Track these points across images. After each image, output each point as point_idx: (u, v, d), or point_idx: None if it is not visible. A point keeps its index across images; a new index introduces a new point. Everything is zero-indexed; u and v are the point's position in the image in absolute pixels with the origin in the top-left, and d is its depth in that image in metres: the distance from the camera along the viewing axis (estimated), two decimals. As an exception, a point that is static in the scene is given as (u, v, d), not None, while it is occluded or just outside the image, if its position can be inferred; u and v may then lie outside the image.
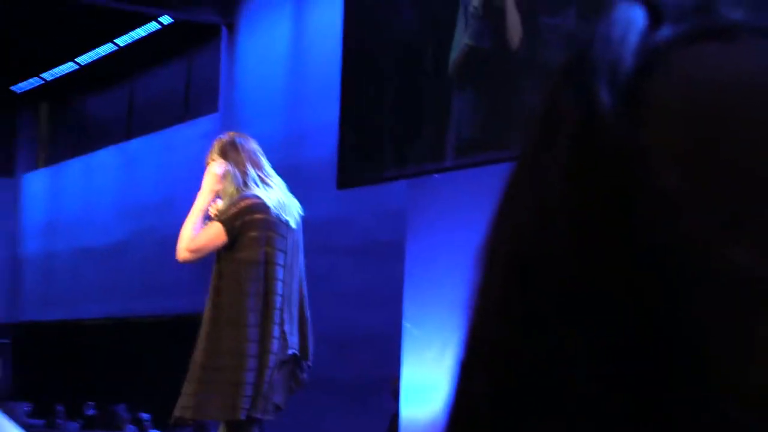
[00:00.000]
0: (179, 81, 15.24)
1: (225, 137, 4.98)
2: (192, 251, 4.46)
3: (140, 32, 14.98)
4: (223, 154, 4.81)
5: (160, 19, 14.35)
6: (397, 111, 8.78)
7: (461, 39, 8.21)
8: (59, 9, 14.55)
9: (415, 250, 9.06)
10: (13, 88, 18.36)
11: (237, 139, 4.91)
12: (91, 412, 13.79)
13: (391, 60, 8.93)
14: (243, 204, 4.53)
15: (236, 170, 4.69)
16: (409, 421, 8.91)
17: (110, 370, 15.24)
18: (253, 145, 4.90)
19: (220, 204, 4.78)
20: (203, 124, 13.87)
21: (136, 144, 15.73)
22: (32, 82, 18.02)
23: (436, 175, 8.54)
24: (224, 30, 13.31)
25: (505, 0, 7.98)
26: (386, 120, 8.88)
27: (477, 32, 8.03)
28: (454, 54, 8.22)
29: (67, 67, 17.00)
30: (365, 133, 9.05)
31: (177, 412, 4.47)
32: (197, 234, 4.50)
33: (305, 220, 11.13)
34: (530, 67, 7.69)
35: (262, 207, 4.48)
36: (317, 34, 11.46)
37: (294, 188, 11.41)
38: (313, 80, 11.39)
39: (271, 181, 4.72)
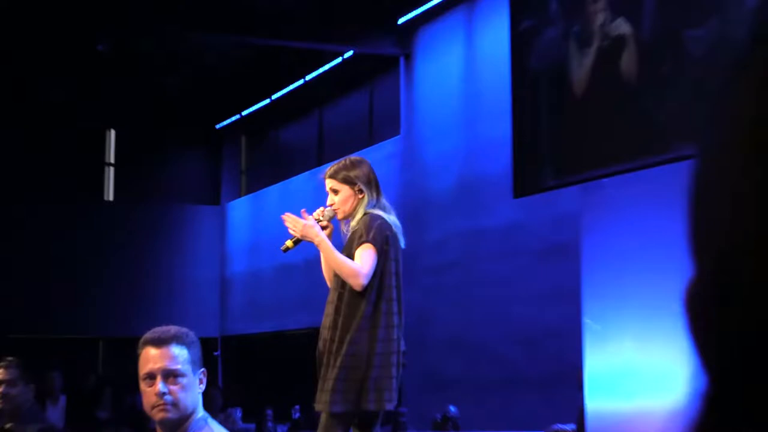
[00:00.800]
0: (363, 108, 15.38)
1: (356, 167, 4.88)
2: (367, 276, 4.58)
3: (326, 67, 15.20)
4: (357, 178, 4.79)
5: (344, 54, 14.57)
6: (563, 122, 8.75)
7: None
8: (254, 54, 14.97)
9: (591, 250, 8.99)
10: (217, 126, 18.93)
11: (368, 164, 4.93)
12: (297, 415, 13.91)
13: (554, 74, 8.93)
14: (380, 224, 4.68)
15: (368, 193, 4.80)
16: (594, 412, 8.83)
17: (314, 375, 15.44)
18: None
19: (328, 213, 4.76)
20: (387, 146, 14.00)
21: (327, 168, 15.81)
22: (233, 119, 18.53)
23: (605, 180, 8.48)
24: (402, 60, 13.45)
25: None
26: (555, 130, 8.86)
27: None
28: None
29: (263, 103, 17.40)
30: (537, 144, 9.03)
31: (316, 407, 4.66)
32: (358, 262, 4.59)
33: (486, 229, 11.18)
34: (680, 74, 7.59)
35: (390, 226, 4.70)
36: (487, 57, 11.49)
37: (473, 199, 11.50)
38: (486, 99, 11.42)
39: (385, 202, 4.90)
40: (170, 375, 2.58)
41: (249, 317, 17.73)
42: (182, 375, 2.56)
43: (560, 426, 9.61)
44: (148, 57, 15.36)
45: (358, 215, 4.73)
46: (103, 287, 17.16)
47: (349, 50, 14.23)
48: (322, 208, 4.76)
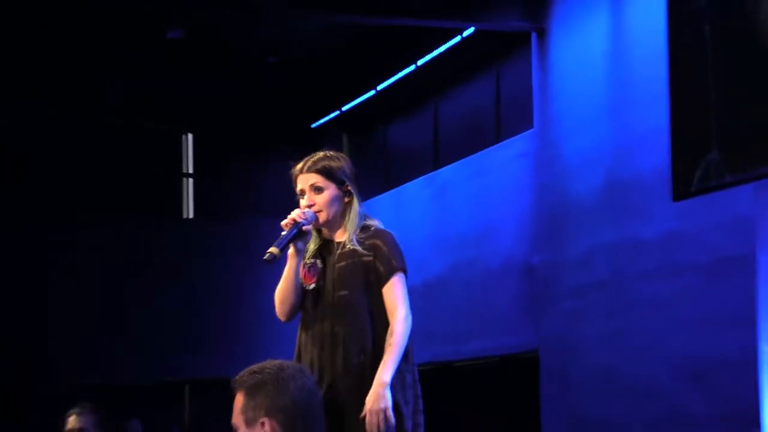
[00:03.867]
0: (487, 98, 15.36)
1: (343, 161, 4.86)
2: (407, 308, 4.76)
3: (441, 49, 15.25)
4: (345, 176, 4.82)
5: (463, 32, 14.63)
6: (733, 108, 8.72)
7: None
8: (355, 38, 15.07)
9: (769, 261, 8.96)
10: (313, 125, 19.13)
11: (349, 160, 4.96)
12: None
13: (725, 52, 8.89)
14: (397, 241, 4.89)
15: (356, 196, 4.89)
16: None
17: (437, 413, 15.48)
18: None
19: (308, 215, 4.63)
20: (518, 143, 14.01)
21: (445, 172, 15.89)
22: (331, 116, 18.71)
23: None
24: (534, 36, 13.41)
25: None
26: (722, 119, 8.82)
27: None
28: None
29: (366, 96, 17.52)
30: (700, 137, 9.00)
31: None
32: (400, 301, 4.76)
33: (640, 240, 11.19)
34: None
35: None
36: (639, 30, 11.41)
37: (626, 203, 11.50)
38: (638, 83, 11.34)
39: None
40: (232, 429, 2.70)
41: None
42: (235, 429, 2.67)
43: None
44: (228, 45, 15.60)
45: (351, 223, 4.71)
46: (186, 320, 17.46)
47: (470, 27, 14.28)
48: (300, 211, 4.66)
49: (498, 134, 14.83)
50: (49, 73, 15.66)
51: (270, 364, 2.75)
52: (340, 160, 4.81)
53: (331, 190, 4.64)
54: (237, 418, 2.69)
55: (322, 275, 4.57)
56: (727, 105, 8.78)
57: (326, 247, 4.63)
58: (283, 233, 4.52)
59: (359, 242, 4.65)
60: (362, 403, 4.25)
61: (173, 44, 14.43)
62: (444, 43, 15.07)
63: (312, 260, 4.63)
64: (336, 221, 4.64)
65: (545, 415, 12.85)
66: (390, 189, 17.30)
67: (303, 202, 4.57)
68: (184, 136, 18.73)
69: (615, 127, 11.74)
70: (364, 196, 18.38)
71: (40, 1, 12.90)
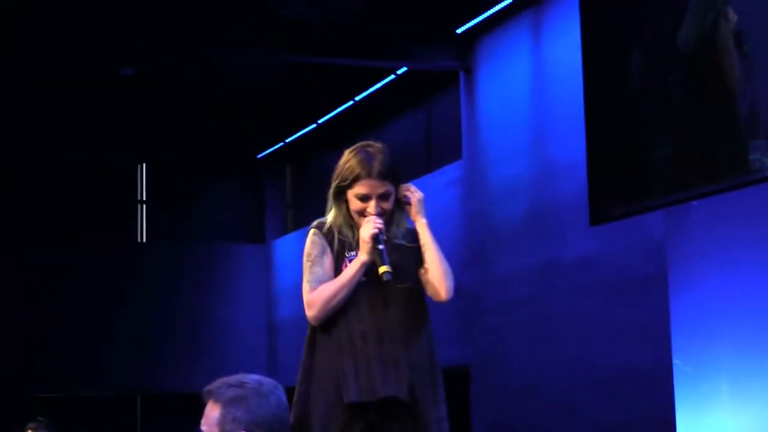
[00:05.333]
0: (420, 130, 15.36)
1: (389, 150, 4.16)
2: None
3: (376, 86, 15.23)
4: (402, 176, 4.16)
5: (397, 71, 14.61)
6: (645, 141, 8.75)
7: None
8: (297, 75, 15.03)
9: (679, 281, 8.99)
10: (258, 156, 19.04)
11: None
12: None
13: (635, 89, 8.94)
14: None
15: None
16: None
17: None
18: None
19: (379, 221, 4.01)
20: (448, 172, 13.99)
21: (382, 198, 15.83)
22: (275, 147, 18.60)
23: (695, 202, 8.47)
24: (462, 74, 13.43)
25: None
26: (635, 150, 8.86)
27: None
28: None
29: (308, 129, 17.42)
30: (614, 166, 9.04)
31: None
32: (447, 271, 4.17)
33: (559, 261, 11.20)
34: None
35: None
36: (557, 70, 11.48)
37: (547, 227, 11.52)
38: (557, 117, 11.40)
39: None
40: None
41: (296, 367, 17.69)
42: None
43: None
44: (178, 81, 15.51)
45: (402, 219, 4.16)
46: (138, 338, 17.29)
47: (402, 66, 14.28)
48: (373, 221, 4.02)
49: (429, 163, 14.81)
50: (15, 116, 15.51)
51: (248, 378, 2.62)
52: (396, 159, 4.17)
53: (394, 194, 4.05)
54: (212, 429, 2.57)
55: (374, 269, 3.93)
56: (639, 139, 8.82)
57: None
58: (380, 247, 3.90)
59: (406, 239, 4.07)
60: (440, 403, 3.98)
61: (126, 82, 14.36)
62: (380, 80, 15.06)
63: (353, 252, 4.03)
64: (390, 222, 4.05)
65: (475, 424, 12.82)
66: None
67: (366, 207, 3.99)
68: (137, 166, 18.59)
69: (536, 158, 11.77)
70: (305, 223, 18.26)
71: None
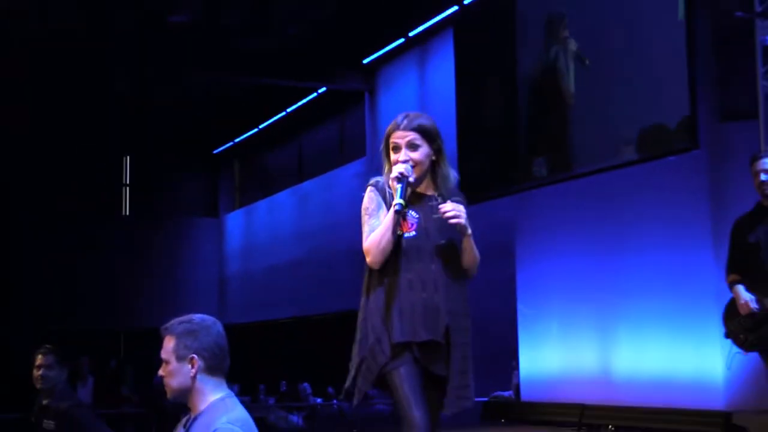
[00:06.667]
0: (335, 135, 15.32)
1: (434, 123, 3.34)
2: None
3: (303, 101, 15.13)
4: (438, 135, 3.28)
5: (319, 90, 14.55)
6: (502, 143, 8.82)
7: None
8: (244, 91, 14.91)
9: (524, 250, 9.07)
10: (214, 152, 18.89)
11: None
12: (283, 389, 13.89)
13: (493, 106, 9.02)
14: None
15: (444, 156, 3.34)
16: (527, 379, 8.90)
17: (296, 356, 15.40)
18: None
19: (407, 167, 3.22)
20: (355, 166, 13.97)
21: (306, 185, 15.81)
22: (227, 146, 18.44)
23: (534, 191, 8.56)
24: (366, 94, 13.43)
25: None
26: (494, 150, 8.94)
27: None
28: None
29: (252, 132, 17.32)
30: (478, 162, 9.09)
31: (459, 404, 3.20)
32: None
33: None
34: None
35: None
36: (437, 91, 11.50)
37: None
38: (437, 126, 11.41)
39: None
40: (162, 362, 2.59)
41: (243, 310, 17.68)
42: (166, 362, 2.56)
43: (499, 392, 9.71)
44: (157, 96, 15.31)
45: (443, 179, 3.29)
46: (124, 288, 17.15)
47: (323, 87, 14.23)
48: (402, 165, 3.22)
49: (342, 159, 14.77)
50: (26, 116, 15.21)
51: (194, 316, 2.59)
52: (432, 122, 3.33)
53: (424, 148, 3.21)
54: (169, 355, 2.54)
55: (422, 223, 3.23)
56: (497, 142, 8.89)
57: (416, 199, 3.27)
58: (397, 186, 3.13)
59: (452, 197, 3.21)
60: (470, 345, 3.21)
61: (116, 97, 14.26)
62: (306, 97, 14.97)
63: (407, 210, 3.24)
64: (424, 176, 3.24)
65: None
66: (267, 197, 17.15)
67: (398, 156, 3.24)
68: (124, 158, 18.35)
69: (421, 156, 11.75)
70: (248, 202, 18.13)
71: None
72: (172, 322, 2.59)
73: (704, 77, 7.26)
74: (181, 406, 2.69)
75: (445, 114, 10.74)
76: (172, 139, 17.64)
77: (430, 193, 3.33)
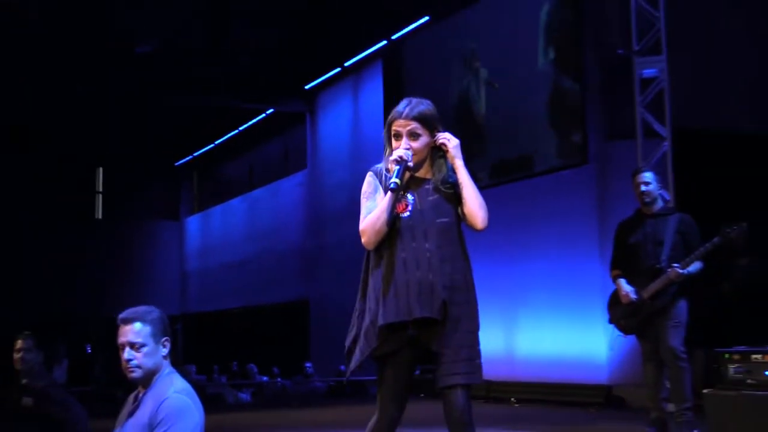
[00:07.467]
0: (280, 150, 15.19)
1: (435, 111, 2.94)
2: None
3: (253, 121, 15.00)
4: (440, 123, 2.91)
5: (267, 111, 14.42)
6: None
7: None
8: (201, 111, 14.73)
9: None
10: (176, 164, 18.63)
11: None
12: (234, 369, 13.79)
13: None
14: None
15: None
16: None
17: (246, 341, 15.30)
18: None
19: (407, 153, 2.85)
20: (298, 177, 13.87)
21: (256, 193, 15.67)
22: (187, 159, 18.20)
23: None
24: (308, 115, 13.38)
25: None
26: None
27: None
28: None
29: (208, 147, 17.13)
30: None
31: (468, 378, 2.79)
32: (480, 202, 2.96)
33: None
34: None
35: None
36: (368, 114, 11.50)
37: (359, 212, 11.48)
38: (367, 143, 11.43)
39: None
40: (133, 346, 2.53)
41: (201, 300, 17.48)
42: (143, 345, 2.51)
43: (417, 371, 9.69)
44: (126, 116, 15.07)
45: (441, 165, 2.91)
46: (96, 281, 16.78)
47: (270, 109, 14.14)
48: (402, 150, 2.85)
49: (286, 171, 14.72)
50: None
51: (150, 306, 2.55)
52: (432, 108, 2.93)
53: (424, 138, 2.82)
54: (147, 339, 2.50)
55: (417, 204, 2.83)
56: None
57: (413, 182, 2.88)
58: (395, 167, 2.65)
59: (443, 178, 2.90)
60: (474, 317, 2.80)
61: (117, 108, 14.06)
62: (255, 117, 14.83)
63: (403, 193, 2.79)
64: (422, 163, 2.86)
65: (313, 341, 12.79)
66: (222, 203, 16.96)
67: (398, 143, 2.85)
68: (97, 168, 18.00)
69: (353, 169, 11.74)
70: (205, 207, 17.84)
71: None
72: (140, 311, 2.54)
73: (593, 105, 7.36)
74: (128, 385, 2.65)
75: (374, 135, 10.76)
76: (139, 153, 17.40)
77: (428, 177, 2.94)
